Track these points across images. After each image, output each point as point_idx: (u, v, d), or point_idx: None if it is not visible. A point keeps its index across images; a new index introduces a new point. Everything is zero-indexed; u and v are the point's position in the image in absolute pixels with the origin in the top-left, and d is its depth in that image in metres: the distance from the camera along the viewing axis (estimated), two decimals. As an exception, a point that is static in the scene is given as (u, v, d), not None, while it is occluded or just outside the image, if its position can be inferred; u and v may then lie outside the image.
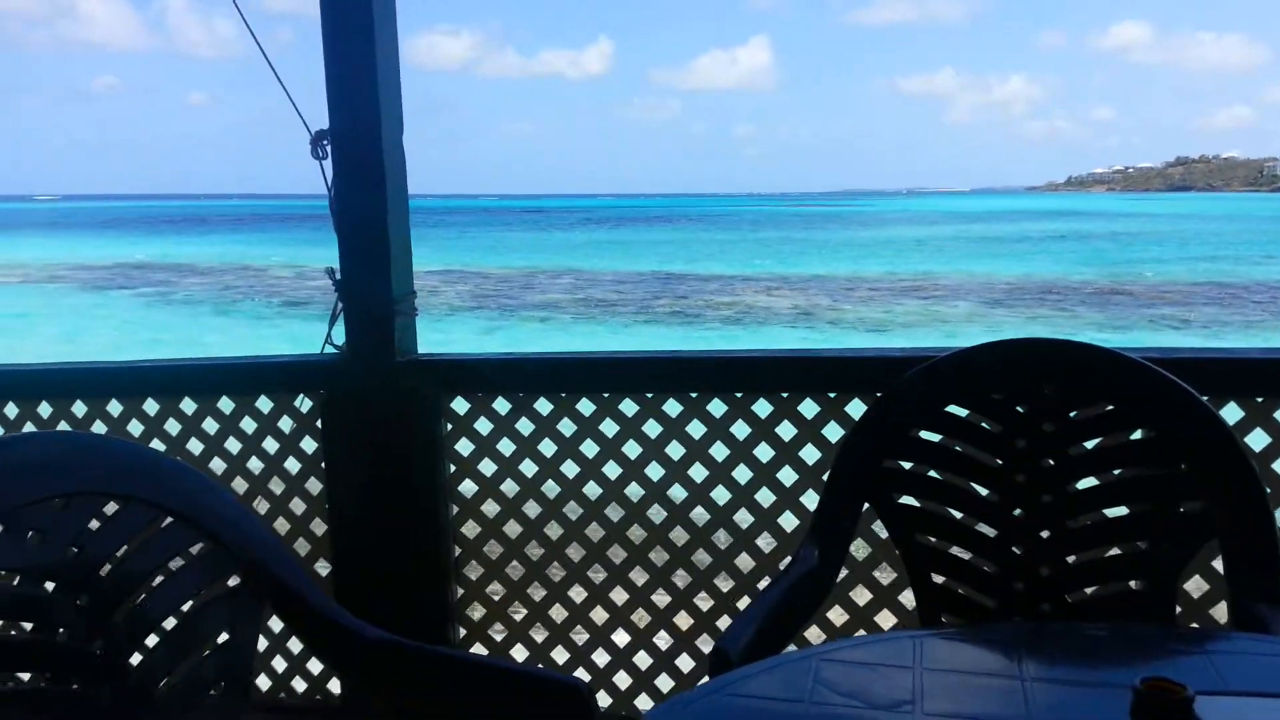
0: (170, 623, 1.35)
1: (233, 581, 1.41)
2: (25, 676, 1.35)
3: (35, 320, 24.11)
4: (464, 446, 2.28)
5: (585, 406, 2.20)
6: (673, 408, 2.16)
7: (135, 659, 1.30)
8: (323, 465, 2.30)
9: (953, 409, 1.74)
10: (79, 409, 2.39)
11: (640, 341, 21.33)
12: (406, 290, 2.26)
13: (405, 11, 2.14)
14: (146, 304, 28.21)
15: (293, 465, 2.31)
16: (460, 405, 2.27)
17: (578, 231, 66.95)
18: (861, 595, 2.06)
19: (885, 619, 2.08)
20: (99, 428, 2.37)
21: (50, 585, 1.26)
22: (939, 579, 1.73)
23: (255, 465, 2.32)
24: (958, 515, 1.73)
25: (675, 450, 2.16)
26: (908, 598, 2.03)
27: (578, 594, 2.26)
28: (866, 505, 1.75)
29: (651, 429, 2.17)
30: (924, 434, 1.75)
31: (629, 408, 2.18)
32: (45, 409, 2.41)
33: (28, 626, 1.28)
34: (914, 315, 24.31)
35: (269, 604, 1.43)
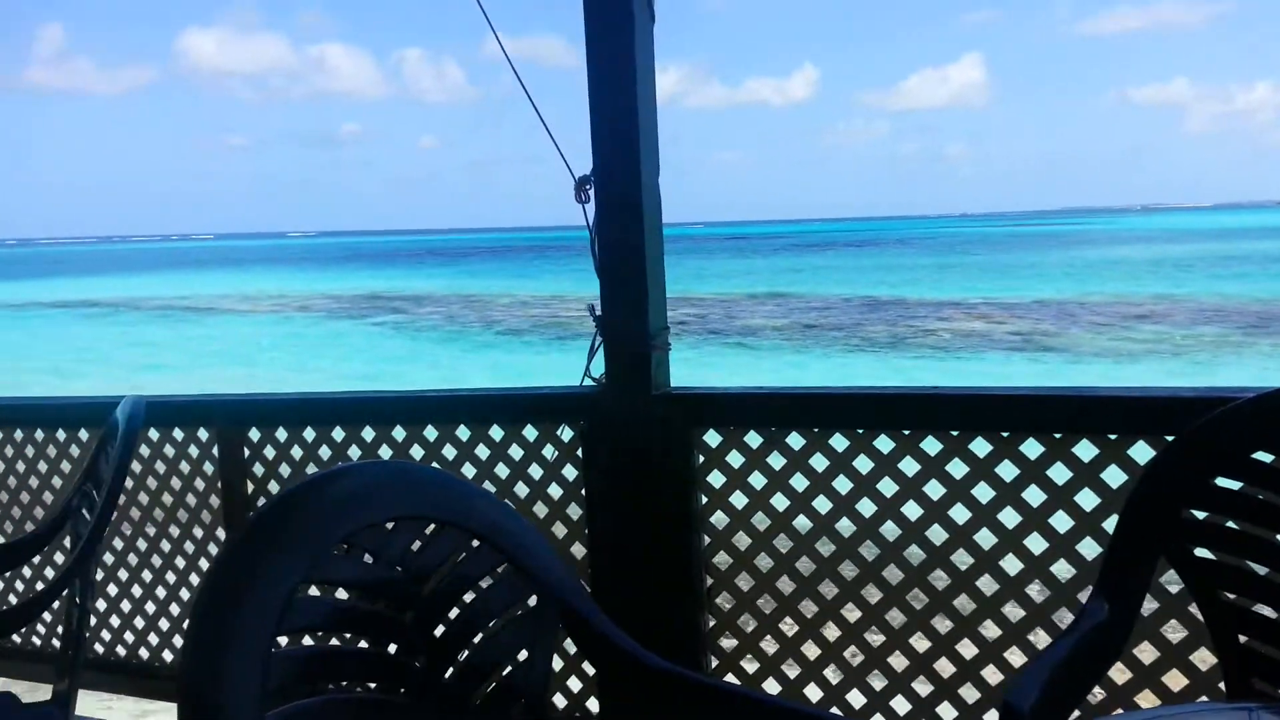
0: (479, 639, 1.45)
1: (531, 602, 1.50)
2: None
3: (279, 350, 26.61)
4: (715, 478, 2.32)
5: (838, 442, 2.19)
6: (931, 445, 2.10)
7: (449, 673, 1.41)
8: (582, 492, 2.41)
9: (1259, 455, 1.60)
10: (368, 433, 2.63)
11: (846, 369, 20.88)
12: (661, 326, 2.34)
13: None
14: (381, 332, 30.53)
15: (555, 491, 2.44)
16: (712, 438, 2.32)
17: (781, 257, 66.58)
18: (1147, 653, 1.92)
19: (1174, 679, 1.92)
20: (384, 451, 2.59)
21: (382, 603, 1.39)
22: (1243, 638, 1.59)
23: (521, 490, 2.46)
24: (1262, 571, 1.59)
25: (934, 489, 2.11)
26: (1199, 658, 1.88)
27: (831, 632, 2.24)
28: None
29: (908, 466, 2.13)
30: (1222, 481, 1.63)
31: (884, 444, 2.15)
32: (338, 433, 2.67)
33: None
34: (1152, 342, 22.43)
35: (562, 625, 1.51)
